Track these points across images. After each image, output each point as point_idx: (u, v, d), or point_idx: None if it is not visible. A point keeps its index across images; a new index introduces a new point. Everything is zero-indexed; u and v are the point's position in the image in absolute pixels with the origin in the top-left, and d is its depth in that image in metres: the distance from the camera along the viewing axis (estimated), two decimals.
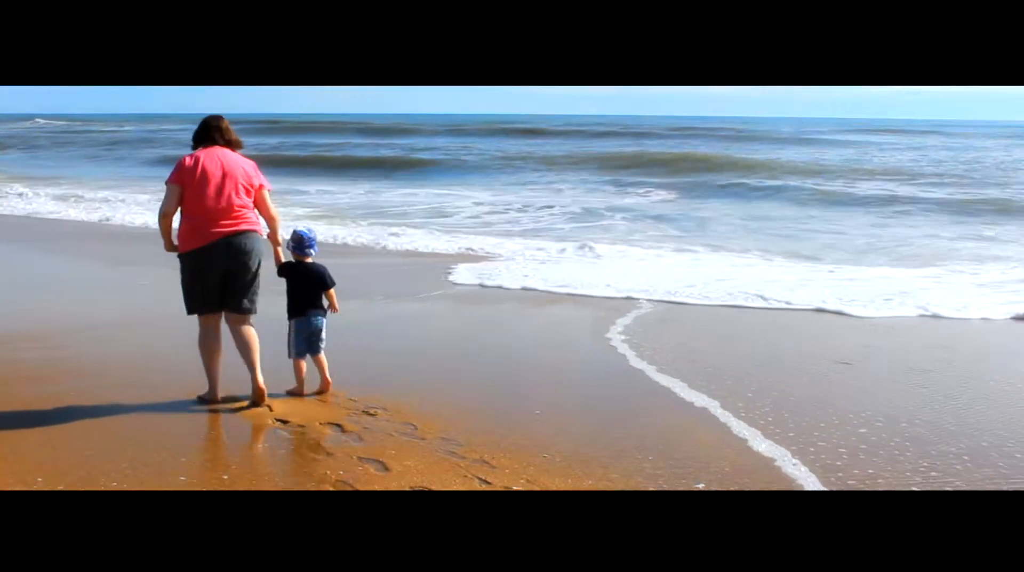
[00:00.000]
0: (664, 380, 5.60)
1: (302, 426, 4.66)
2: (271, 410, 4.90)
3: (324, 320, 5.20)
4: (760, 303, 8.10)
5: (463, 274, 9.55)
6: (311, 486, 3.88)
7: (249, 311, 5.01)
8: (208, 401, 5.02)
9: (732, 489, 3.89)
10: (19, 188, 19.68)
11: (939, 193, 19.90)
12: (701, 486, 3.93)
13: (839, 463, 4.22)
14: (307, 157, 31.51)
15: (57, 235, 13.12)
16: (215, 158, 4.89)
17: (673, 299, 8.22)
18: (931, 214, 16.65)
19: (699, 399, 5.21)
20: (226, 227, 4.85)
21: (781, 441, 4.50)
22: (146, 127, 61.31)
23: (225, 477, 3.98)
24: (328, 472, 4.01)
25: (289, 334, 5.18)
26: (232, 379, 5.14)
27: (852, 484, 3.97)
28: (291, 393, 5.18)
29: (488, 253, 11.28)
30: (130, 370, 5.67)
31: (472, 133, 48.76)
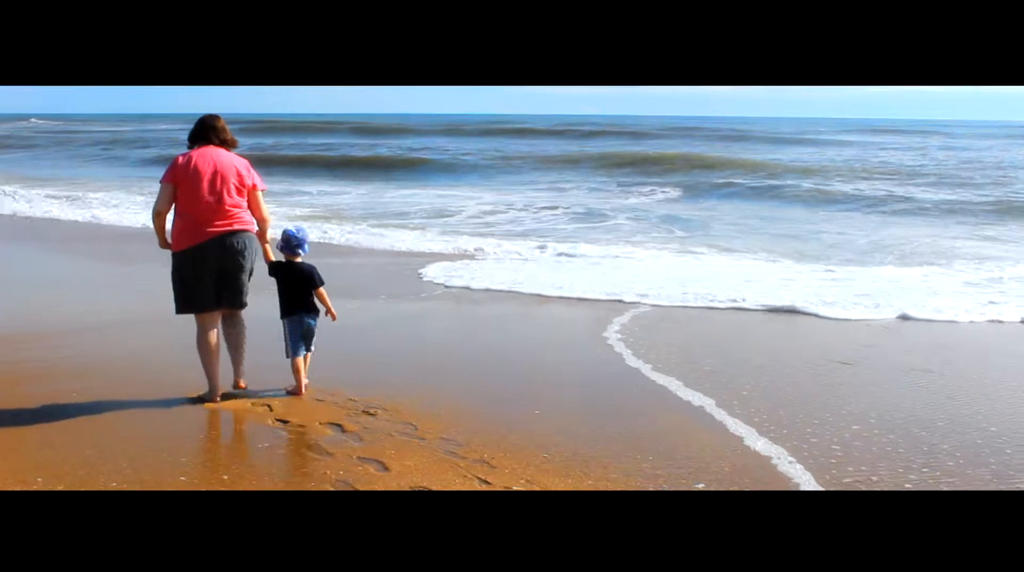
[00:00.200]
0: (661, 378, 5.62)
1: (302, 426, 4.66)
2: (271, 410, 4.90)
3: (315, 322, 5.17)
4: (756, 304, 8.09)
5: (463, 274, 9.55)
6: (311, 486, 3.88)
7: (243, 306, 5.10)
8: (208, 401, 5.02)
9: (732, 489, 3.90)
10: (15, 189, 19.65)
11: (939, 193, 19.90)
12: (701, 486, 3.94)
13: (832, 460, 4.26)
14: (306, 157, 31.49)
15: (53, 235, 13.11)
16: (209, 157, 4.89)
17: (674, 300, 8.22)
18: (931, 214, 16.66)
19: (695, 397, 5.24)
20: (219, 227, 4.85)
21: (776, 439, 4.52)
22: (142, 127, 61.22)
23: (225, 477, 3.98)
24: (328, 472, 4.01)
25: (284, 334, 5.18)
26: (232, 379, 5.16)
27: (848, 482, 4.00)
28: (290, 392, 5.18)
29: (488, 253, 11.28)
30: (130, 370, 5.67)
31: (470, 133, 48.71)
